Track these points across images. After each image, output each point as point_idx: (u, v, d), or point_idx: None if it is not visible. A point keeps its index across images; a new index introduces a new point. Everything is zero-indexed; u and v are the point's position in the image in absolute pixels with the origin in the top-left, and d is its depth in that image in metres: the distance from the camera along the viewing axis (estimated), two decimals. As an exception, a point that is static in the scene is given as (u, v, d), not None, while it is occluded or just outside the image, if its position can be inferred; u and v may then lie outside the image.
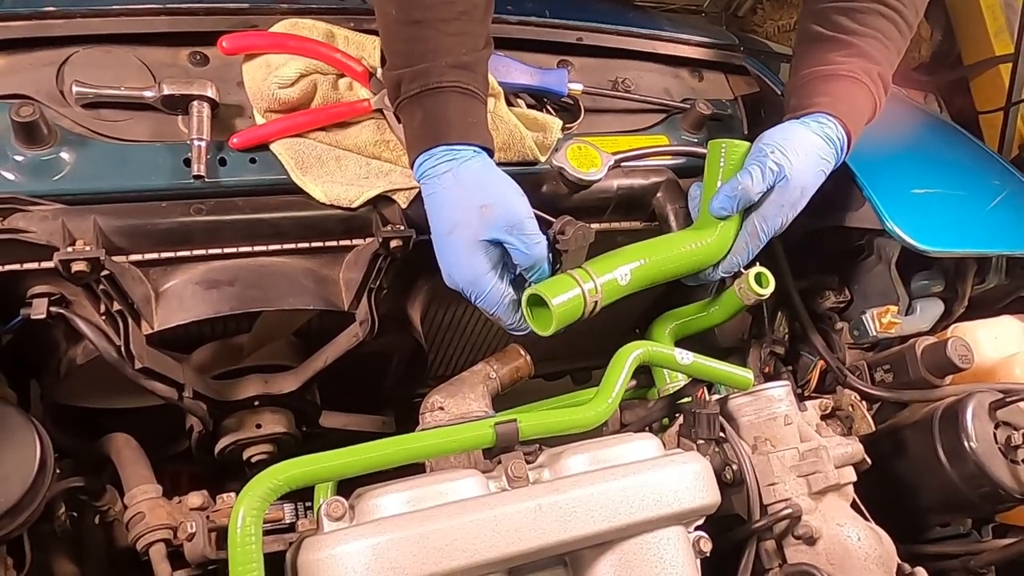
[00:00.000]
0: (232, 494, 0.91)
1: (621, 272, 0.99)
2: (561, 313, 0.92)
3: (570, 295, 0.93)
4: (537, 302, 0.95)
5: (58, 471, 0.91)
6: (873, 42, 1.13)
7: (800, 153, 1.06)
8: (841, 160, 1.12)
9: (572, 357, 1.59)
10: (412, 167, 0.97)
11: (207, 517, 0.86)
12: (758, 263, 1.14)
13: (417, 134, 0.95)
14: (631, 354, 0.91)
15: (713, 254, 1.09)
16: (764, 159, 1.05)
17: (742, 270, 1.11)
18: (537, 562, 0.80)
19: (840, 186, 1.22)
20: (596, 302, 0.95)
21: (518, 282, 0.98)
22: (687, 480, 0.83)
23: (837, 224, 1.23)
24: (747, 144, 1.10)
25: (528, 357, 1.10)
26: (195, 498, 0.91)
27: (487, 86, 1.00)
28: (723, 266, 1.10)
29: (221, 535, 0.85)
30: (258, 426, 1.08)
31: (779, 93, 1.33)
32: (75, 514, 1.04)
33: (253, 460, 1.09)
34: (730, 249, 1.09)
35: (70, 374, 0.98)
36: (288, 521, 0.93)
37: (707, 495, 0.85)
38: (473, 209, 0.92)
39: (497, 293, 0.94)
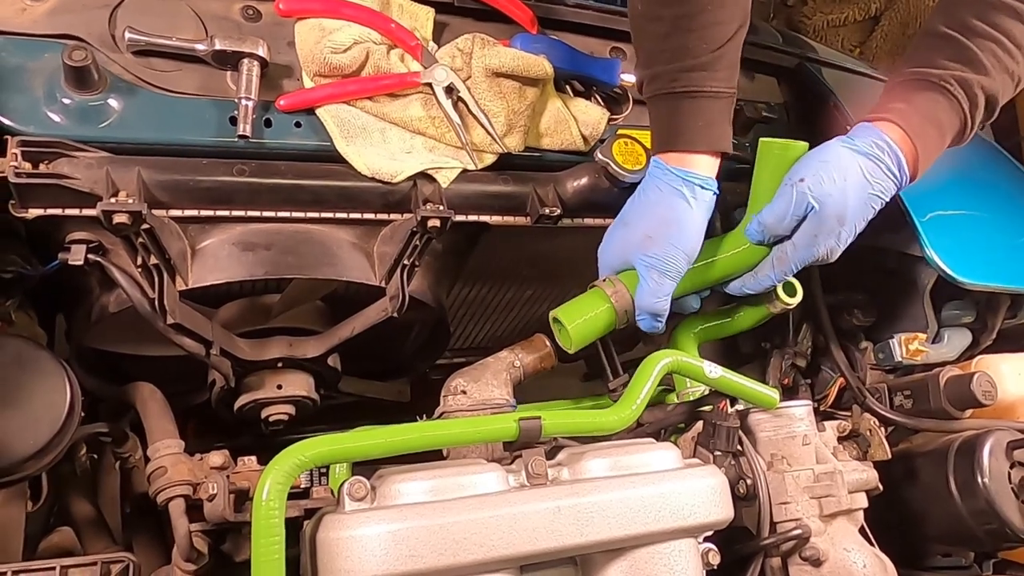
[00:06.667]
0: (253, 458, 0.92)
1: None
2: (577, 331, 1.00)
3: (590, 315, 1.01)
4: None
5: (83, 414, 0.93)
6: (991, 46, 0.96)
7: (839, 179, 0.95)
8: (904, 183, 1.00)
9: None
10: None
11: (227, 478, 0.87)
12: None
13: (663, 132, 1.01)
14: (659, 362, 0.91)
15: (745, 264, 1.05)
16: (789, 190, 0.96)
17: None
18: (548, 560, 0.81)
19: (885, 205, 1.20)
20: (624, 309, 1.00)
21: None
22: (704, 494, 0.84)
23: (875, 243, 1.21)
24: (803, 147, 1.01)
25: (553, 348, 1.10)
26: (216, 457, 0.92)
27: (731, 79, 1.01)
28: (748, 284, 1.05)
29: (239, 498, 0.87)
30: (279, 387, 1.09)
31: (831, 103, 1.30)
32: (95, 456, 1.06)
33: (271, 419, 1.10)
34: (758, 268, 1.05)
35: (101, 320, 0.99)
36: (304, 487, 0.95)
37: (722, 510, 0.86)
38: (640, 230, 0.99)
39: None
